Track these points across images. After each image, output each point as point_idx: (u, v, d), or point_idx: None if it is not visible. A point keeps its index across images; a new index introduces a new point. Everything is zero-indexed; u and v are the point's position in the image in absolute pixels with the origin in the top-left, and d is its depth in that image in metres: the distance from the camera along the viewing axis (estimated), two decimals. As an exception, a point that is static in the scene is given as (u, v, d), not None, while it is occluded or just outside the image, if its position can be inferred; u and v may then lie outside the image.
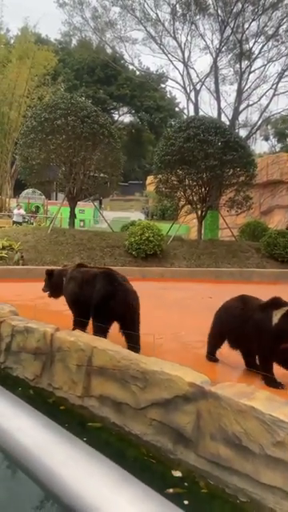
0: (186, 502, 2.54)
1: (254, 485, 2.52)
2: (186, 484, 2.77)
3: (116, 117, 47.74)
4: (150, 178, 26.43)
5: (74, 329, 4.44)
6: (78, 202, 15.24)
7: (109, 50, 33.10)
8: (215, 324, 4.14)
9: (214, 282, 11.36)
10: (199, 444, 2.84)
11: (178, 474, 2.87)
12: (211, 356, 4.14)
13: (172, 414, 3.00)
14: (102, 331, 4.20)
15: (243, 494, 2.57)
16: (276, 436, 2.43)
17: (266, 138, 39.81)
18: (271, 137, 40.21)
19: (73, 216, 14.51)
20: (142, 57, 63.53)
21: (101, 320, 4.28)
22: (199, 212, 14.91)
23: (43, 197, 25.16)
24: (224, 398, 2.72)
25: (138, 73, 37.52)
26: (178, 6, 25.60)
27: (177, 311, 6.72)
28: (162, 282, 10.74)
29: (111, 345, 3.72)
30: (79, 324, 4.53)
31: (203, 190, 14.52)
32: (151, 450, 3.08)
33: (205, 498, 2.68)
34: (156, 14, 26.12)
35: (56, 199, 26.22)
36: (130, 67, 36.27)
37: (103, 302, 4.28)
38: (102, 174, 14.82)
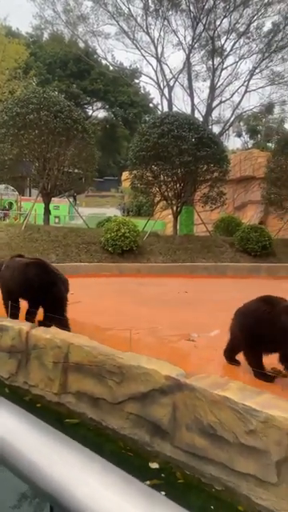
0: (162, 493, 2.59)
1: (229, 473, 2.59)
2: (162, 475, 2.82)
3: (90, 112, 47.30)
4: (125, 174, 26.39)
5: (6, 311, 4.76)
6: (53, 198, 15.04)
7: (81, 45, 32.72)
8: (253, 339, 3.54)
9: (189, 276, 11.49)
10: (175, 435, 2.89)
11: (155, 465, 2.92)
12: (261, 371, 3.50)
13: (149, 407, 3.04)
14: (63, 324, 4.34)
15: (218, 483, 2.64)
16: (249, 424, 2.50)
17: (239, 135, 40.28)
18: (244, 133, 40.74)
19: (47, 212, 14.33)
20: (115, 52, 63.19)
21: (46, 305, 4.51)
22: (174, 208, 15.00)
23: (16, 193, 24.70)
24: (199, 390, 2.78)
25: (111, 68, 37.20)
26: (150, 1, 25.53)
27: (153, 306, 6.77)
28: (139, 277, 10.78)
29: (88, 341, 3.72)
30: (7, 307, 4.81)
31: (178, 185, 14.61)
32: (128, 443, 3.12)
33: (181, 488, 2.74)
34: (128, 8, 26.00)
35: (30, 195, 25.80)
36: (103, 62, 35.94)
37: (45, 288, 4.50)
38: (76, 170, 14.68)
